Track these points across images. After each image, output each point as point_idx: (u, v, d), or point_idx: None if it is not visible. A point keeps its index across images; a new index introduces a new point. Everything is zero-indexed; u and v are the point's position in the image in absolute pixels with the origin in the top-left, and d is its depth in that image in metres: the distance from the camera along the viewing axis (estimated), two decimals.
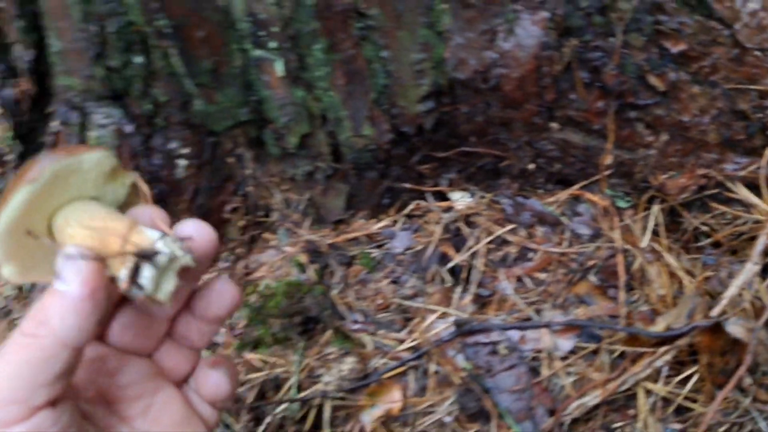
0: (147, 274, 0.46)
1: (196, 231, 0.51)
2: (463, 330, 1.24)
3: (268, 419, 1.30)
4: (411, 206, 1.38)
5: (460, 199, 1.41)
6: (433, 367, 1.26)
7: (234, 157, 1.33)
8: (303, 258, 1.40)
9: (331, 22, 1.11)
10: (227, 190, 1.39)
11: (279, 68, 1.17)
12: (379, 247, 1.41)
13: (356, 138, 1.25)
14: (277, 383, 1.34)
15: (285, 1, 1.08)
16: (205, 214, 1.38)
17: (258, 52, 1.16)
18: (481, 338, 1.25)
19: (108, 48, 1.13)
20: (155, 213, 0.51)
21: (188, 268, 0.48)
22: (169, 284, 0.47)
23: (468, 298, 1.29)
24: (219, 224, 1.42)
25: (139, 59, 1.15)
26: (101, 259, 0.45)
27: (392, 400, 1.25)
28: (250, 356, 1.37)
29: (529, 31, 1.06)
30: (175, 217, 0.52)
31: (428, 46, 1.15)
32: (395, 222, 1.41)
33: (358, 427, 1.25)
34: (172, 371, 0.56)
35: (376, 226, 1.42)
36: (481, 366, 1.24)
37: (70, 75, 1.20)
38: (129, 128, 1.22)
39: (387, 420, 1.24)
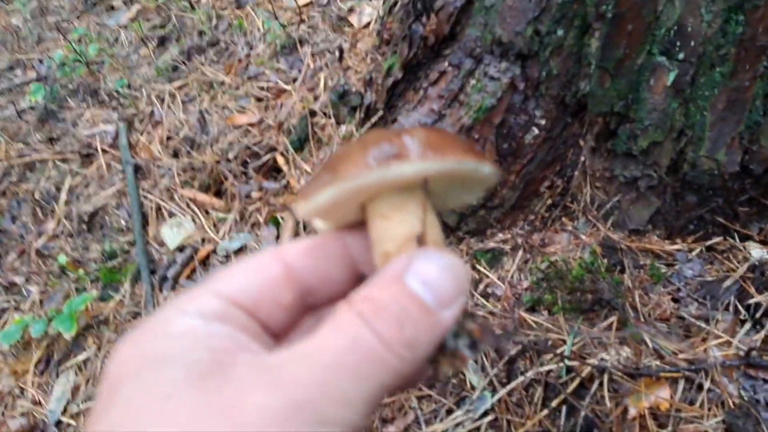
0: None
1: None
2: (750, 361, 1.34)
3: (529, 374, 1.45)
4: (717, 239, 1.50)
5: (756, 250, 1.52)
6: (706, 384, 1.36)
7: (581, 140, 1.52)
8: (598, 249, 1.55)
9: (745, 52, 1.29)
10: (553, 168, 1.58)
11: (671, 77, 1.36)
12: (668, 265, 1.54)
13: (707, 159, 1.40)
14: (544, 347, 1.48)
15: (714, 22, 1.27)
16: (527, 183, 1.58)
17: (661, 59, 1.35)
18: (763, 375, 1.34)
19: (544, 15, 1.36)
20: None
21: None
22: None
23: (758, 335, 1.39)
24: (531, 195, 1.61)
25: (560, 32, 1.37)
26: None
27: (661, 397, 1.36)
28: (525, 315, 1.53)
29: None
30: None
31: None
32: (691, 249, 1.54)
33: (620, 410, 1.37)
34: None
35: (671, 247, 1.56)
36: (759, 399, 1.32)
37: (490, 28, 1.45)
38: (521, 86, 1.44)
39: (651, 413, 1.35)
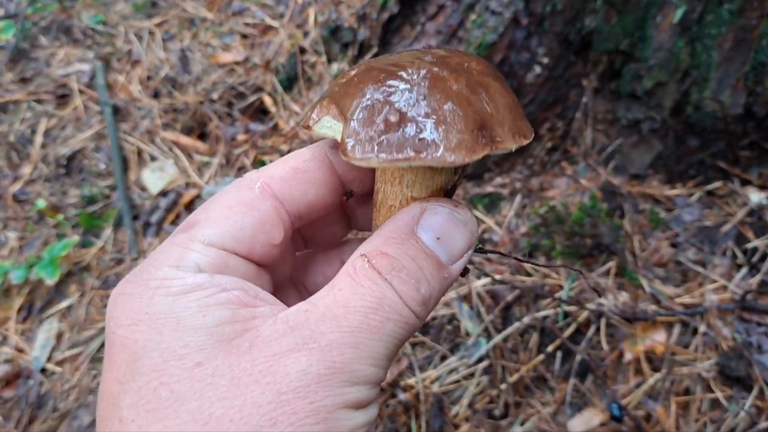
0: None
1: None
2: (744, 305, 1.38)
3: (525, 320, 1.48)
4: (716, 184, 1.53)
5: (755, 195, 1.55)
6: (702, 328, 1.40)
7: (584, 80, 1.52)
8: (598, 194, 1.57)
9: None
10: (554, 109, 1.59)
11: (678, 15, 1.36)
12: (668, 210, 1.57)
13: (711, 100, 1.41)
14: (541, 292, 1.51)
15: None
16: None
17: None
18: (757, 318, 1.39)
19: None
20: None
21: None
22: None
23: (754, 279, 1.43)
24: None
25: None
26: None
27: (657, 340, 1.40)
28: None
29: None
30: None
31: None
32: (691, 194, 1.57)
33: (616, 354, 1.42)
34: None
35: (671, 191, 1.58)
36: (752, 342, 1.38)
37: None
38: (524, 21, 1.43)
39: (646, 356, 1.40)
